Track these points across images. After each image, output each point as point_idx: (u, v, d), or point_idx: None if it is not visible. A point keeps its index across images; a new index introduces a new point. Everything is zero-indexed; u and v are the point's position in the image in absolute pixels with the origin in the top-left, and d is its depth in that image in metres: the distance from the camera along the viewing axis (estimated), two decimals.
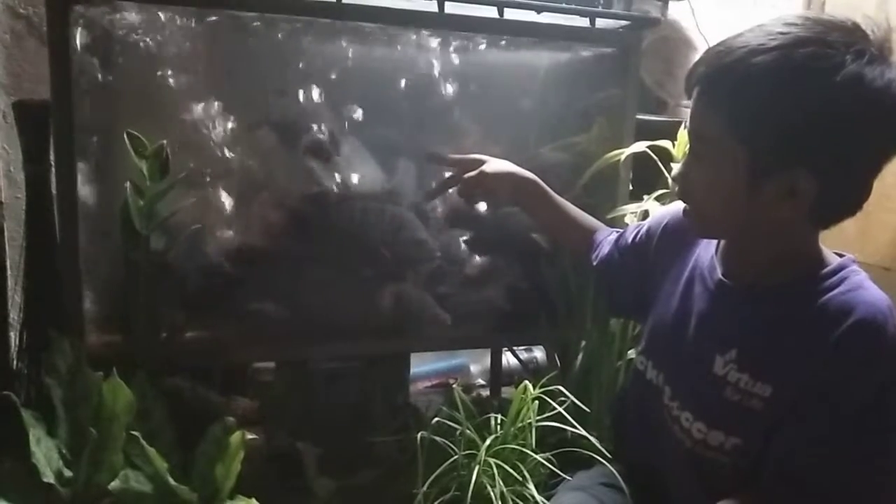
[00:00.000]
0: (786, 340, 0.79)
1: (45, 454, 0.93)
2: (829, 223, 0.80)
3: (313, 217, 1.25)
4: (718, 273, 0.88)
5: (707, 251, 0.92)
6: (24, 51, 1.36)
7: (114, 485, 0.93)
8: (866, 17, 0.76)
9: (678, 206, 1.01)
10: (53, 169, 1.09)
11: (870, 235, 1.57)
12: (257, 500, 0.98)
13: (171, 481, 0.93)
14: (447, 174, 1.28)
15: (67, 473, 0.94)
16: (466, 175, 1.19)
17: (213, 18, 1.16)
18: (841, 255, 0.82)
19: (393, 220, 1.29)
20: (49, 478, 0.91)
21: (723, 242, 0.91)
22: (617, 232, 1.14)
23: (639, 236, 1.06)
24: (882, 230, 1.57)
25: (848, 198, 0.78)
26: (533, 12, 1.23)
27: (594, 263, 1.14)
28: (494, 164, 1.19)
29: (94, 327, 1.14)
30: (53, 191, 1.11)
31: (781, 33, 0.74)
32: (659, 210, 1.10)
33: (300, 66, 1.23)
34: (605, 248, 1.13)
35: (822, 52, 0.72)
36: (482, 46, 1.31)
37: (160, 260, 1.11)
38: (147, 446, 0.91)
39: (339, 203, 1.27)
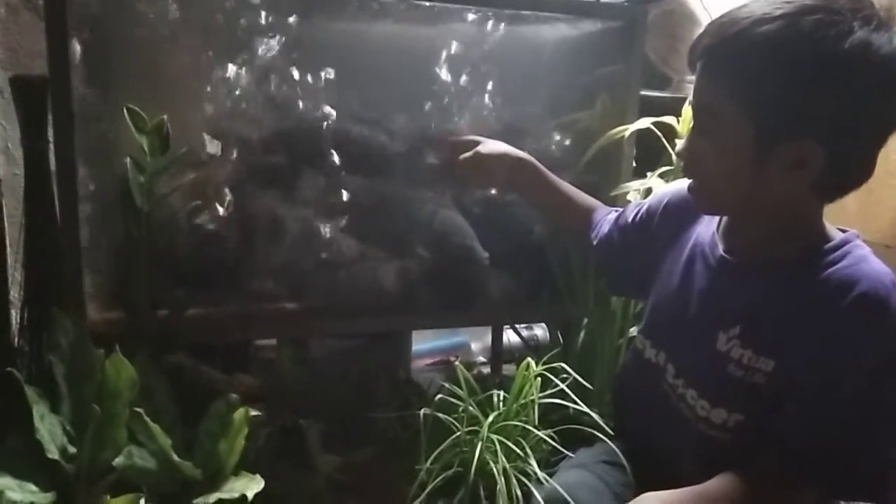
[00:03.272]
0: (790, 314, 0.79)
1: (50, 430, 0.93)
2: (834, 196, 0.80)
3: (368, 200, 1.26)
4: (720, 250, 0.88)
5: (708, 228, 0.92)
6: (20, 25, 1.34)
7: (118, 461, 0.93)
8: None
9: (679, 184, 1.01)
10: (52, 145, 1.08)
11: (871, 213, 1.56)
12: (261, 476, 0.99)
13: (175, 458, 0.93)
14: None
15: (72, 450, 0.95)
16: (462, 157, 1.18)
17: None
18: (844, 231, 0.82)
19: (444, 223, 1.29)
20: (54, 454, 0.91)
21: (724, 219, 0.91)
22: (616, 211, 1.14)
23: (639, 215, 1.06)
24: (884, 208, 1.57)
25: (854, 169, 0.77)
26: None
27: (594, 242, 1.13)
28: (489, 145, 1.18)
29: (95, 304, 1.14)
30: (52, 167, 1.10)
31: (787, 2, 0.73)
32: (660, 188, 1.10)
33: (297, 41, 1.22)
34: (604, 227, 1.12)
35: (830, 19, 0.71)
36: (485, 21, 1.29)
37: (161, 236, 1.10)
38: (151, 423, 0.92)
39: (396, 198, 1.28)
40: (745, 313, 0.83)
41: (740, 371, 0.82)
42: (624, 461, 0.96)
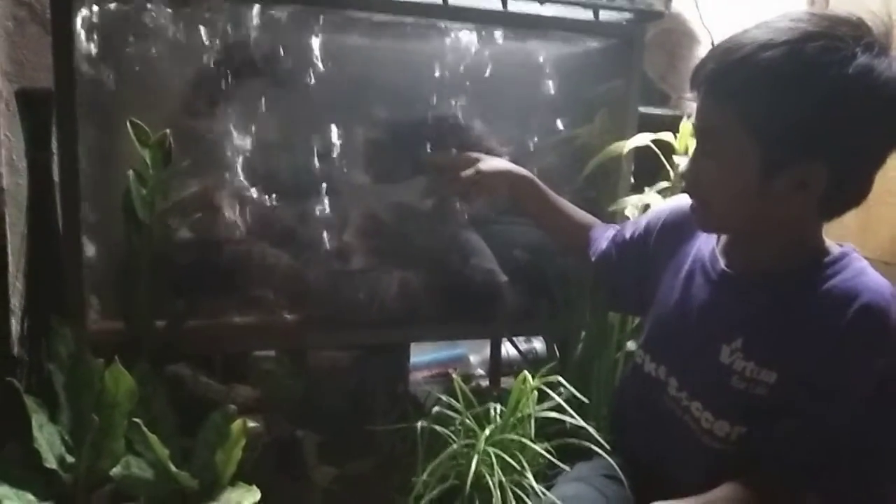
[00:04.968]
0: (792, 326, 0.80)
1: (48, 440, 0.93)
2: (834, 215, 0.81)
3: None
4: (721, 264, 0.89)
5: (707, 244, 0.93)
6: (26, 38, 1.36)
7: (115, 471, 0.93)
8: (870, 13, 0.77)
9: (676, 200, 1.02)
10: (56, 156, 1.09)
11: (871, 230, 1.57)
12: (257, 487, 0.99)
13: (172, 468, 0.94)
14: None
15: (69, 459, 0.95)
16: (463, 174, 1.19)
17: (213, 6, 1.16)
18: (841, 245, 0.84)
19: (466, 245, 1.31)
20: (52, 463, 0.92)
21: (724, 235, 0.91)
22: (614, 228, 1.15)
23: (636, 232, 1.07)
24: (883, 225, 1.57)
25: (856, 188, 0.79)
26: (536, 3, 1.23)
27: (592, 259, 1.14)
28: (490, 162, 1.20)
29: (95, 314, 1.15)
30: (56, 178, 1.11)
31: (790, 28, 0.75)
32: (657, 205, 1.11)
33: (303, 57, 1.23)
34: (602, 244, 1.13)
35: (833, 45, 0.73)
36: (486, 38, 1.30)
37: (162, 247, 1.10)
38: (148, 433, 0.92)
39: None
40: (748, 326, 0.85)
41: (743, 383, 0.83)
42: (622, 476, 0.96)
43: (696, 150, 0.85)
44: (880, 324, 0.76)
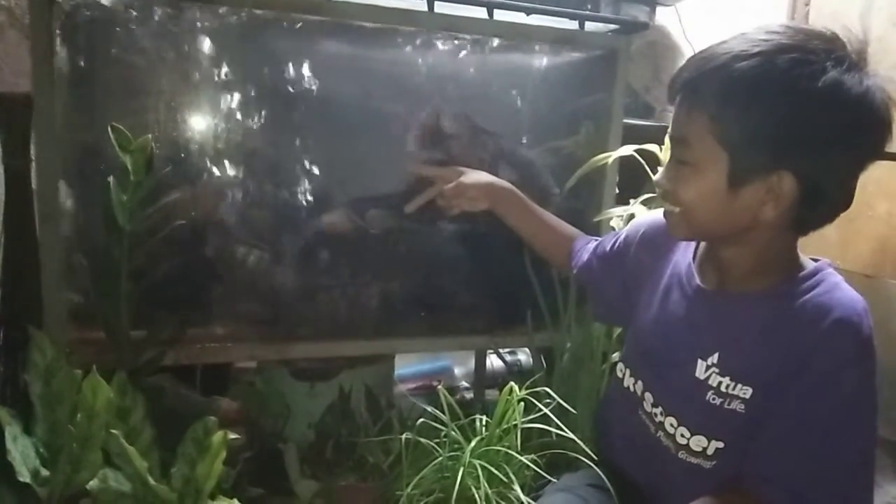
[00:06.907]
0: (767, 341, 0.81)
1: (22, 452, 0.91)
2: (808, 229, 0.82)
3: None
4: (697, 279, 0.90)
5: (684, 258, 0.94)
6: (5, 43, 1.34)
7: (92, 484, 0.91)
8: (845, 28, 0.78)
9: (655, 214, 1.03)
10: (34, 164, 1.07)
11: (851, 243, 1.59)
12: (238, 501, 0.97)
13: (151, 481, 0.91)
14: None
15: (44, 472, 0.92)
16: (447, 186, 1.19)
17: (195, 12, 1.15)
18: (816, 260, 0.84)
19: (449, 257, 1.33)
20: (25, 477, 0.89)
21: (700, 249, 0.92)
22: (596, 240, 1.16)
23: (616, 244, 1.08)
24: (863, 238, 1.59)
25: (826, 202, 0.79)
26: (522, 14, 1.24)
27: (574, 271, 1.15)
28: (472, 175, 1.20)
29: (74, 324, 1.12)
30: (34, 185, 1.09)
31: (764, 40, 0.76)
32: (637, 218, 1.12)
33: (289, 64, 1.22)
34: (583, 256, 1.14)
35: (804, 58, 0.74)
36: (471, 48, 1.31)
37: (142, 256, 1.09)
38: (127, 445, 0.90)
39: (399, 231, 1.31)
40: (723, 341, 0.85)
41: (719, 398, 0.83)
42: (609, 485, 0.95)
43: (671, 157, 0.86)
44: (853, 338, 0.77)
